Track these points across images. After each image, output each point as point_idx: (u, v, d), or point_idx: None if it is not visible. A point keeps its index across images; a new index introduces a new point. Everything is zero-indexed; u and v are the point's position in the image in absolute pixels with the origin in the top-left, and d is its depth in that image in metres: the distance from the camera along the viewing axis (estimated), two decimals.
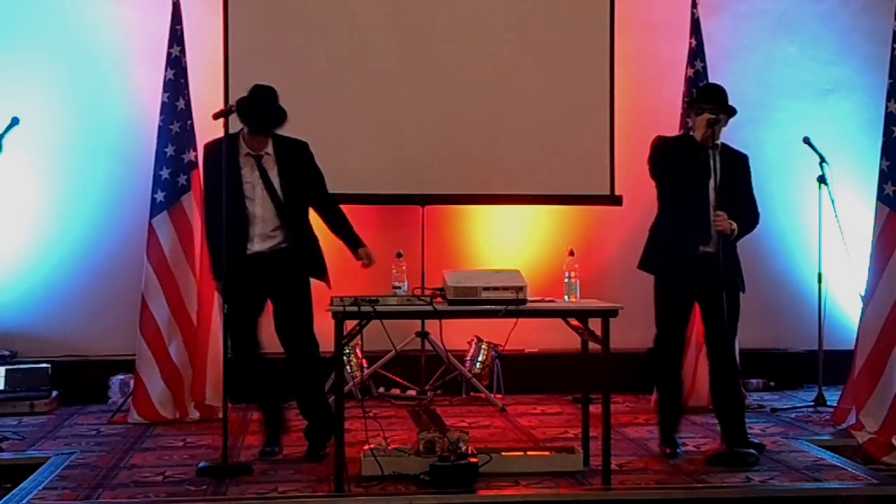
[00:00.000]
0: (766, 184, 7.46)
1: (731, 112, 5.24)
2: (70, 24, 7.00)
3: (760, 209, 5.37)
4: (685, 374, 6.37)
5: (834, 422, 6.00)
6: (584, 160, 7.07)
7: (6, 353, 6.69)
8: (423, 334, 6.62)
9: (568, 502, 4.56)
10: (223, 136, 4.96)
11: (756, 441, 5.34)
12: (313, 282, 5.25)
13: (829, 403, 6.39)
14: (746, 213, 5.22)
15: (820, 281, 6.62)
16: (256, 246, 5.11)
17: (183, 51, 6.35)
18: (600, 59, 7.07)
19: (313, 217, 5.31)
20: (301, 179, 5.20)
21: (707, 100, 5.24)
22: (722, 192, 5.08)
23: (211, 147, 5.15)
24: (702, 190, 5.12)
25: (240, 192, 5.08)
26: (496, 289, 4.67)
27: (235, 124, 5.19)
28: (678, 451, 5.24)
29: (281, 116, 5.13)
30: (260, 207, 5.10)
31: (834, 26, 7.63)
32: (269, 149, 5.16)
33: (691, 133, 5.27)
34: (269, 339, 5.43)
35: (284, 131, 5.22)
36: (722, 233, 5.06)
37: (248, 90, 5.14)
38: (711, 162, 5.11)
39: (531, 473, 4.80)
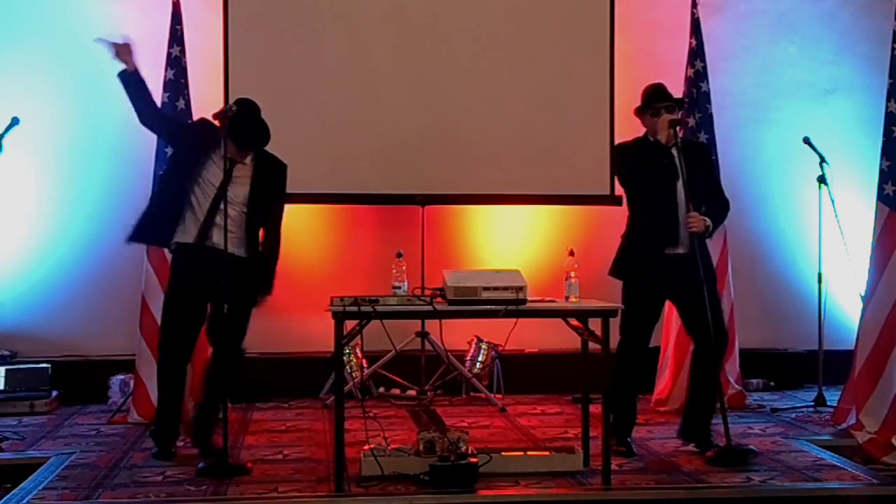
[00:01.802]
0: (766, 184, 7.51)
1: (683, 104, 5.27)
2: (70, 24, 7.00)
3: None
4: (680, 378, 6.39)
5: (834, 422, 6.00)
6: (584, 160, 7.07)
7: (6, 353, 6.70)
8: (423, 334, 6.62)
9: (568, 502, 4.56)
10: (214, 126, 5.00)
11: (716, 443, 5.20)
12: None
13: (829, 403, 6.39)
14: (716, 203, 5.28)
15: (820, 281, 6.62)
16: (188, 238, 5.09)
17: (183, 51, 6.35)
18: (600, 59, 7.07)
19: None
20: (267, 198, 5.19)
21: (659, 99, 5.25)
22: (691, 189, 5.10)
23: (202, 126, 5.15)
24: (670, 191, 5.15)
25: (198, 178, 5.06)
26: (496, 289, 4.67)
27: None
28: (633, 451, 5.23)
29: (266, 137, 5.11)
30: (208, 203, 5.05)
31: (834, 26, 7.63)
32: (249, 160, 5.16)
33: (649, 137, 5.26)
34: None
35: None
36: (696, 233, 5.08)
37: (238, 104, 5.08)
38: (676, 161, 5.13)
39: (531, 473, 4.80)
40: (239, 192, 5.11)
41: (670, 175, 5.14)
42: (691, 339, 5.33)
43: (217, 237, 5.01)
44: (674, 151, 5.16)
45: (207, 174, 5.09)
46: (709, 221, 5.12)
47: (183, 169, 5.16)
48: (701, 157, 5.36)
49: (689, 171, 5.14)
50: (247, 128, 5.05)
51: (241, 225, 5.13)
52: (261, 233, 5.25)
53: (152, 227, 5.20)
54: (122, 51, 5.11)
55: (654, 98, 5.27)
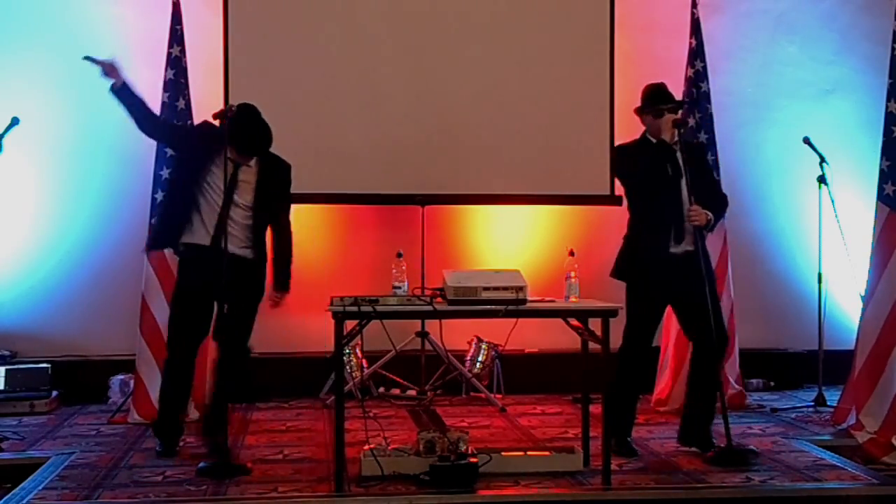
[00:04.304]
0: (766, 184, 7.51)
1: (682, 105, 5.31)
2: (70, 24, 7.00)
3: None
4: (680, 378, 6.40)
5: (834, 422, 6.00)
6: (584, 160, 7.07)
7: (6, 353, 6.70)
8: (423, 334, 6.61)
9: (568, 502, 4.56)
10: (218, 129, 5.01)
11: (717, 443, 5.20)
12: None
13: (829, 403, 6.39)
14: (716, 198, 5.30)
15: (820, 281, 6.62)
16: (198, 239, 5.12)
17: (183, 51, 6.35)
18: (600, 59, 7.07)
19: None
20: (272, 200, 5.23)
21: (663, 100, 5.27)
22: (694, 186, 5.12)
23: (204, 130, 5.17)
24: (674, 190, 5.16)
25: (201, 183, 5.10)
26: (496, 289, 4.66)
27: None
28: (634, 451, 5.25)
29: (267, 142, 5.14)
30: (213, 208, 5.10)
31: (834, 26, 7.64)
32: (253, 162, 5.19)
33: (648, 137, 5.27)
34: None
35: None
36: (698, 226, 5.09)
37: (238, 109, 5.10)
38: (679, 161, 5.15)
39: (531, 473, 4.80)
40: (245, 195, 5.15)
41: (674, 174, 5.16)
42: (690, 341, 5.33)
43: (225, 240, 5.05)
44: (676, 151, 5.17)
45: (212, 178, 5.10)
46: (710, 215, 5.14)
47: (188, 172, 5.20)
48: (697, 155, 5.38)
49: (692, 171, 5.17)
50: (247, 135, 5.08)
51: (247, 227, 5.17)
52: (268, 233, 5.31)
53: (163, 231, 5.30)
54: (109, 69, 5.16)
55: (657, 99, 5.29)
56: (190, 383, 5.38)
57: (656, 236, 5.18)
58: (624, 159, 5.30)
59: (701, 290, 5.03)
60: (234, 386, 5.18)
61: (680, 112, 5.28)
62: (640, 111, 5.31)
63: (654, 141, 5.21)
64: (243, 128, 5.06)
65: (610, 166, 7.04)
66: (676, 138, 5.17)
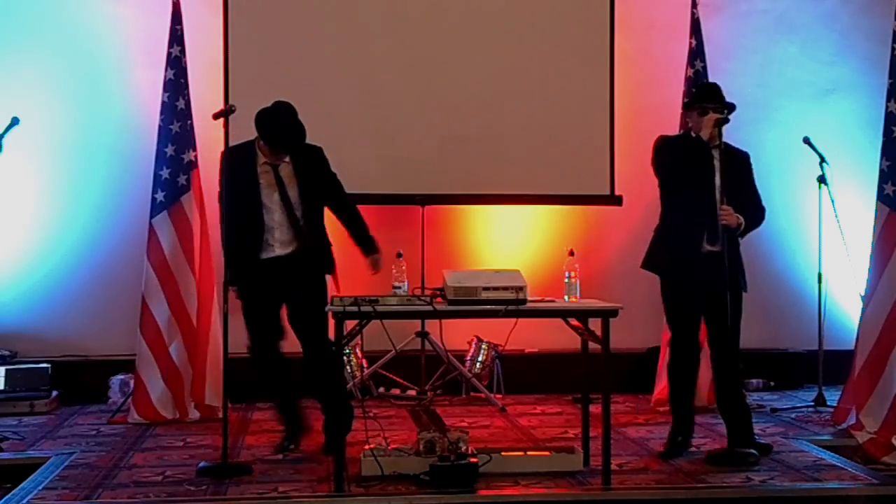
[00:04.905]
0: (766, 184, 7.41)
1: (733, 108, 5.28)
2: (70, 24, 7.00)
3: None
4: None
5: (834, 422, 6.00)
6: (584, 160, 7.07)
7: (6, 353, 6.69)
8: (423, 334, 6.62)
9: (568, 502, 4.56)
10: (240, 144, 5.09)
11: (763, 442, 5.34)
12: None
13: (829, 403, 6.39)
14: (753, 208, 5.26)
15: (820, 281, 6.62)
16: (277, 251, 5.16)
17: (183, 51, 6.35)
18: (600, 59, 7.08)
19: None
20: (317, 185, 5.26)
21: (710, 99, 5.25)
22: (728, 189, 5.10)
23: (228, 155, 5.15)
24: (708, 189, 5.13)
25: (257, 200, 5.13)
26: (496, 289, 4.66)
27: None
28: (679, 452, 5.22)
29: (303, 137, 5.17)
30: (278, 215, 5.15)
31: (834, 26, 7.63)
32: (287, 157, 5.21)
33: (692, 133, 5.27)
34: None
35: None
36: (727, 227, 5.07)
37: (272, 106, 5.13)
38: (716, 161, 5.13)
39: (531, 473, 4.80)
40: (291, 190, 5.18)
41: (709, 173, 5.14)
42: (710, 343, 5.29)
43: (280, 246, 5.15)
44: (715, 151, 5.16)
45: (264, 192, 5.13)
46: (741, 219, 5.11)
47: (249, 202, 5.16)
48: (742, 163, 5.31)
49: (730, 174, 5.13)
50: (282, 131, 5.10)
51: (304, 220, 5.18)
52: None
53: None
54: None
55: (705, 97, 5.27)
56: (280, 376, 5.32)
57: (688, 233, 5.15)
58: (662, 149, 5.25)
59: (723, 291, 5.02)
60: (328, 382, 5.07)
61: (727, 114, 5.22)
62: (687, 107, 5.31)
63: (694, 137, 5.22)
64: (277, 124, 5.09)
65: (610, 166, 7.06)
66: (718, 140, 5.15)
